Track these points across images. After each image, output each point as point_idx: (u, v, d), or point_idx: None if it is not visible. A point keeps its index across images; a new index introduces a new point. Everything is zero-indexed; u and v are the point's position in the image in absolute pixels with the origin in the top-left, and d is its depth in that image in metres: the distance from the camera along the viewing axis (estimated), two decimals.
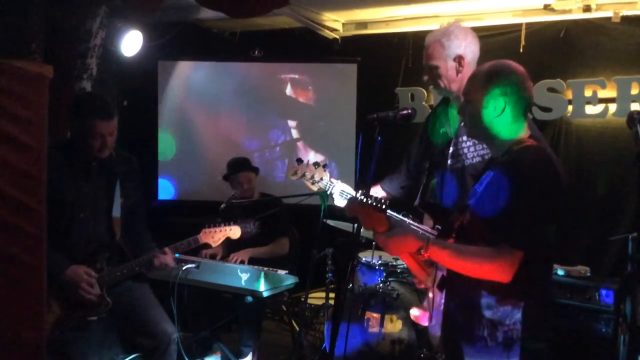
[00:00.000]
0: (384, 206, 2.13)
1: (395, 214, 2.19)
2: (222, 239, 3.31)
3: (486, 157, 2.42)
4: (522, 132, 1.99)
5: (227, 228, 3.32)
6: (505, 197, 1.83)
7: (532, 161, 1.88)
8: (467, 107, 2.02)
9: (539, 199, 1.85)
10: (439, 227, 2.15)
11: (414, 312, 2.21)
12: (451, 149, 2.62)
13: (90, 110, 2.87)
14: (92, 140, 2.85)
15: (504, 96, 1.94)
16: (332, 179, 2.79)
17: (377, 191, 3.04)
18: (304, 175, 2.82)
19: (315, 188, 2.83)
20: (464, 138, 2.57)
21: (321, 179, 2.79)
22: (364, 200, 2.13)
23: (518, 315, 1.89)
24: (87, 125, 2.83)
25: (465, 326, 1.95)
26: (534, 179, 1.85)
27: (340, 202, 2.78)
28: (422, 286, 2.22)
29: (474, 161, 2.52)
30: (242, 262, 3.98)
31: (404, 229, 1.90)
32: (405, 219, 2.56)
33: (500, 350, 1.90)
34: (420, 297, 3.57)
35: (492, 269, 1.85)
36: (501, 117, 1.95)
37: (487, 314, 1.91)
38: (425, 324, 2.21)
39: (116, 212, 3.01)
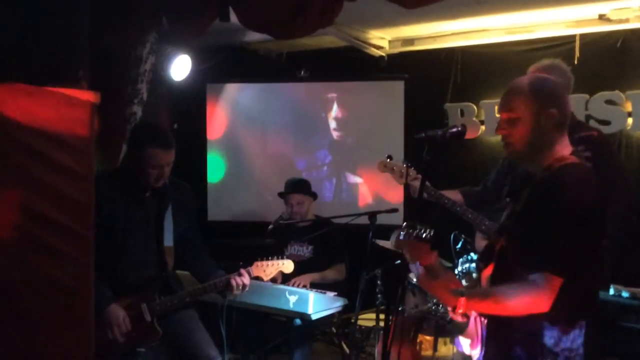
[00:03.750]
0: (428, 236, 2.03)
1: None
2: (274, 273, 3.27)
3: None
4: (564, 147, 1.93)
5: (280, 262, 3.27)
6: (539, 219, 1.76)
7: (571, 181, 1.80)
8: (511, 125, 1.92)
9: (577, 222, 1.76)
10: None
11: (465, 343, 2.11)
12: None
13: (150, 139, 2.85)
14: (150, 169, 2.83)
15: (554, 108, 1.88)
16: (417, 174, 3.13)
17: (454, 195, 3.28)
18: (392, 169, 3.28)
19: (402, 181, 3.25)
20: None
21: (409, 174, 3.18)
22: (411, 232, 2.02)
23: (580, 339, 1.83)
24: (145, 155, 2.81)
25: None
26: (577, 199, 1.77)
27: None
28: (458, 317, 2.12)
29: None
30: (304, 287, 3.95)
31: (441, 282, 1.82)
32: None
33: None
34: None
35: (531, 304, 1.77)
36: (550, 131, 1.89)
37: (551, 347, 1.82)
38: (474, 351, 2.11)
39: (168, 241, 3.00)
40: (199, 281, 3.07)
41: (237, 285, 3.00)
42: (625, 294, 3.47)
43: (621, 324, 3.37)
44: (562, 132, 1.92)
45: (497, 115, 2.04)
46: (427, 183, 3.09)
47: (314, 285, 4.01)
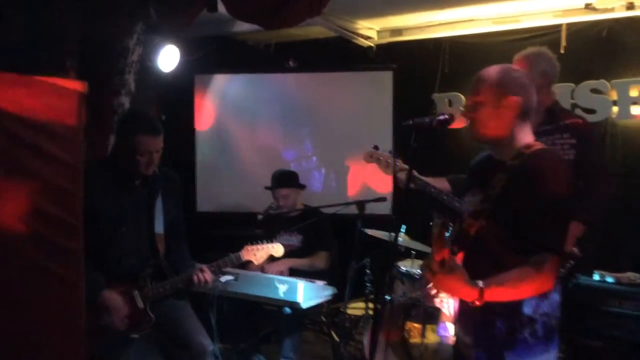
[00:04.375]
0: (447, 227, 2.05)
1: None
2: (265, 257, 3.30)
3: None
4: (529, 135, 2.02)
5: (270, 246, 3.30)
6: (532, 203, 1.84)
7: (552, 164, 1.93)
8: (475, 108, 2.02)
9: (565, 202, 1.88)
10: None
11: (447, 328, 2.15)
12: None
13: (138, 126, 2.87)
14: (139, 157, 2.84)
15: (515, 97, 1.96)
16: (404, 164, 3.09)
17: (441, 183, 3.28)
18: (378, 160, 3.25)
19: (389, 171, 3.25)
20: None
21: (395, 164, 3.17)
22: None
23: (556, 298, 1.94)
24: (134, 142, 2.83)
25: (508, 333, 1.93)
26: (558, 181, 1.88)
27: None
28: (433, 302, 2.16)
29: None
30: (281, 273, 3.96)
31: (459, 275, 1.83)
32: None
33: (540, 345, 1.92)
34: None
35: (541, 285, 1.87)
36: (510, 118, 1.97)
37: (530, 314, 1.91)
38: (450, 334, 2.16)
39: (159, 228, 3.02)
40: (175, 272, 3.05)
41: (199, 281, 2.99)
42: (609, 279, 3.52)
43: (605, 308, 3.42)
44: (524, 121, 2.01)
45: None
46: (414, 172, 3.10)
47: (295, 272, 4.00)
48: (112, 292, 2.82)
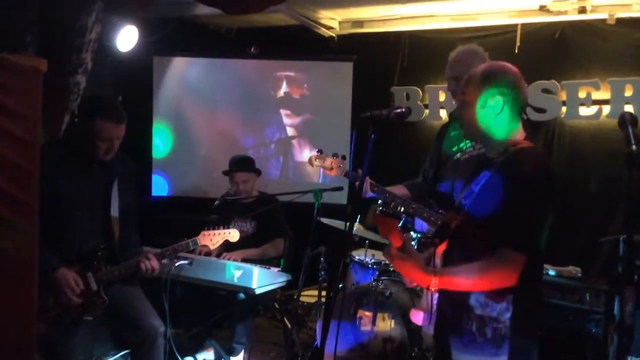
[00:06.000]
0: (399, 212, 2.08)
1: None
2: (221, 242, 3.32)
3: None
4: (518, 133, 2.01)
5: (226, 231, 3.33)
6: (504, 200, 1.84)
7: (530, 163, 1.89)
8: (464, 108, 2.04)
9: (538, 201, 1.86)
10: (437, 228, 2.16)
11: (415, 314, 2.22)
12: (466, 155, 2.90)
13: (101, 111, 2.82)
14: (99, 142, 2.81)
15: (501, 96, 1.95)
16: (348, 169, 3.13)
17: (400, 190, 3.26)
18: (323, 163, 3.24)
19: (333, 174, 3.24)
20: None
21: (339, 166, 3.17)
22: (384, 209, 2.07)
23: (508, 313, 1.89)
24: (95, 127, 2.79)
25: (454, 319, 1.96)
26: (533, 181, 1.86)
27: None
28: (414, 285, 2.23)
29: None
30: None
31: (414, 261, 1.87)
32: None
33: (489, 347, 1.89)
34: (412, 295, 3.59)
35: (499, 279, 1.85)
36: (498, 117, 1.97)
37: (477, 310, 1.91)
38: (421, 323, 2.21)
39: (114, 212, 2.99)
40: (121, 258, 3.03)
41: (146, 269, 2.97)
42: (551, 272, 3.65)
43: (547, 300, 3.55)
44: (513, 119, 1.99)
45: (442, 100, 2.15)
46: (372, 181, 3.09)
47: (249, 261, 3.98)
48: (67, 270, 2.79)
